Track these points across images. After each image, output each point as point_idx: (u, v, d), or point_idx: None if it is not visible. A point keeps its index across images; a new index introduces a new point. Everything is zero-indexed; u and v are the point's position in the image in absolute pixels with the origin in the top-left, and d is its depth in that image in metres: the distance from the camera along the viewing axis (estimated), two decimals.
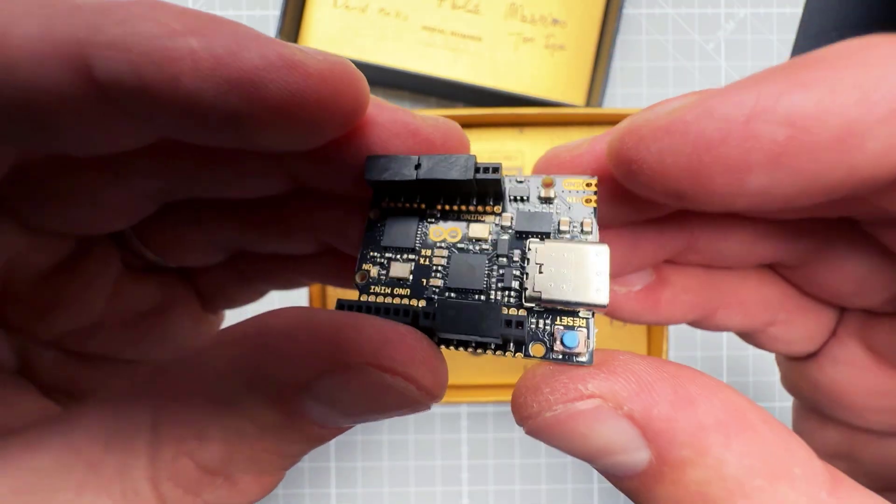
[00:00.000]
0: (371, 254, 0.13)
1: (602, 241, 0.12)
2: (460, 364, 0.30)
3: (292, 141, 0.11)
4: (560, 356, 0.11)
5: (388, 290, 0.12)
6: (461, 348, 0.11)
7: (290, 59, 0.10)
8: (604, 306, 0.11)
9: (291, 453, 0.11)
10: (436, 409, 0.35)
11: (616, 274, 0.15)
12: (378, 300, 0.12)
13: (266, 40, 0.10)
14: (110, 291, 0.16)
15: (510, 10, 0.35)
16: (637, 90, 0.36)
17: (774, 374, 0.35)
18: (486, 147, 0.24)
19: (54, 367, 0.16)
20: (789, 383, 0.18)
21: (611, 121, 0.24)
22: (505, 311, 0.11)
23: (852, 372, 0.15)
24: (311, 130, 0.11)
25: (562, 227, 0.12)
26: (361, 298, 0.12)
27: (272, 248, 0.17)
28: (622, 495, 0.38)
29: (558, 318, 0.11)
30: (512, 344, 0.11)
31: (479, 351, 0.11)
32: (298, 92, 0.10)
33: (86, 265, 0.16)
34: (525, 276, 0.12)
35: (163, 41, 0.09)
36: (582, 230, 0.12)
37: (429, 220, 0.13)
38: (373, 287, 0.12)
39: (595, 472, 0.35)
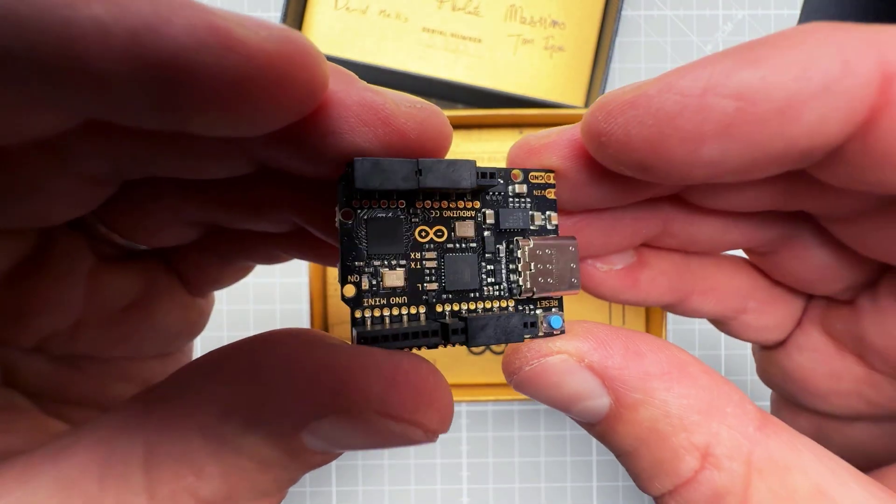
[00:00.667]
0: (356, 264, 0.12)
1: (562, 229, 0.14)
2: (460, 364, 0.30)
3: (235, 128, 0.09)
4: (544, 333, 0.13)
5: (384, 301, 0.12)
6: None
7: (226, 34, 0.08)
8: (577, 291, 0.13)
9: (293, 478, 0.11)
10: None
11: (597, 254, 0.16)
12: (375, 314, 0.12)
13: (195, 8, 0.08)
14: (86, 286, 0.16)
15: (510, 11, 0.35)
16: None
17: None
18: (486, 148, 0.25)
19: (41, 373, 0.16)
20: (762, 373, 0.19)
21: None
22: (506, 305, 0.13)
23: (815, 358, 0.17)
24: (257, 117, 0.09)
25: (536, 221, 0.13)
26: (356, 315, 0.11)
27: (244, 225, 0.16)
28: (620, 492, 0.38)
29: (538, 303, 0.13)
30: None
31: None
32: (238, 76, 0.08)
33: (53, 261, 0.15)
34: (518, 273, 0.13)
35: (63, 12, 0.07)
36: (549, 222, 0.14)
37: (412, 219, 0.12)
38: (366, 300, 0.12)
39: (594, 470, 0.35)
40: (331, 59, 0.33)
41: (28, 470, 0.10)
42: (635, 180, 0.13)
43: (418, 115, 0.11)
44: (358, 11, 0.34)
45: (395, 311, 0.12)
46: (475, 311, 0.13)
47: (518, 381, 0.13)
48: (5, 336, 0.15)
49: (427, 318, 0.12)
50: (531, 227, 0.13)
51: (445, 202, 0.12)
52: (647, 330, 0.30)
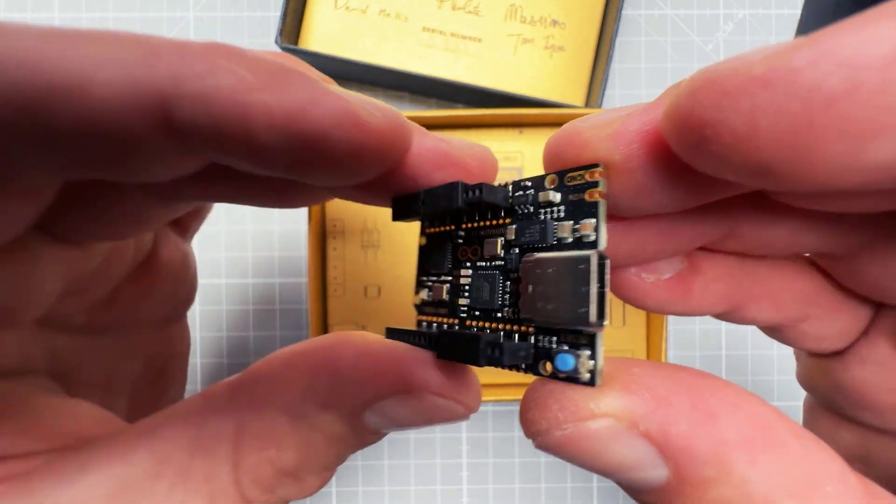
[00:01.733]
0: (421, 278, 0.14)
1: (611, 237, 0.11)
2: None
3: (342, 180, 0.11)
4: (565, 377, 0.10)
5: (435, 311, 0.13)
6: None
7: (356, 117, 0.10)
8: (592, 325, 0.10)
9: (348, 454, 0.13)
10: None
11: (647, 260, 0.14)
12: (429, 320, 0.14)
13: (333, 97, 0.10)
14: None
15: (510, 11, 0.35)
16: (636, 91, 0.36)
17: (774, 374, 0.35)
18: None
19: (55, 355, 0.16)
20: (807, 379, 0.17)
21: None
22: (502, 330, 0.12)
23: (879, 372, 0.15)
24: (363, 172, 0.11)
25: (561, 235, 0.11)
26: (419, 318, 0.14)
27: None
28: (621, 494, 0.38)
29: (560, 335, 0.10)
30: (523, 365, 0.11)
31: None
32: (359, 147, 0.10)
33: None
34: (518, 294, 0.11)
35: (242, 96, 0.09)
36: (584, 232, 0.10)
37: (458, 240, 0.13)
38: (425, 308, 0.14)
39: None
40: (331, 58, 0.33)
41: (124, 446, 0.12)
42: (718, 180, 0.09)
43: (478, 154, 0.13)
44: (358, 11, 0.34)
45: (439, 321, 0.13)
46: (489, 329, 0.12)
47: (544, 444, 0.10)
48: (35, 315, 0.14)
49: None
50: (553, 242, 0.11)
51: (486, 221, 0.13)
52: (648, 331, 0.30)
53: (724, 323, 0.35)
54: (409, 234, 0.24)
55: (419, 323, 0.14)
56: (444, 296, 0.13)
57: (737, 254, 0.14)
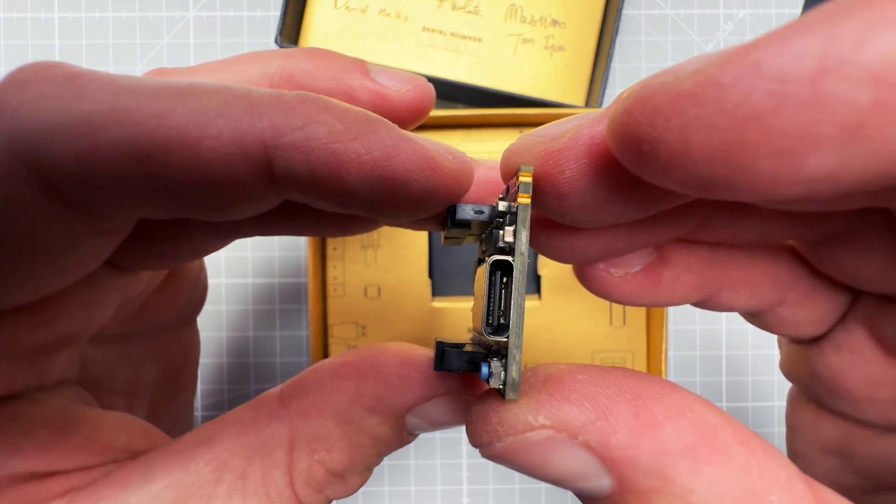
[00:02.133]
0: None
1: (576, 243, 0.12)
2: None
3: (412, 216, 0.12)
4: (493, 388, 0.10)
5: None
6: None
7: (433, 161, 0.11)
8: (490, 335, 0.10)
9: (387, 454, 0.14)
10: None
11: (619, 255, 0.14)
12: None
13: (414, 143, 0.11)
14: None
15: (510, 11, 0.35)
16: None
17: (774, 374, 0.35)
18: (486, 148, 0.25)
19: (87, 364, 0.16)
20: (788, 367, 0.17)
21: None
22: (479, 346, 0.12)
23: (854, 360, 0.15)
24: (432, 209, 0.12)
25: (500, 244, 0.11)
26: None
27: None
28: None
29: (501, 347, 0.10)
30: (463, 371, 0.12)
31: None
32: (434, 189, 0.11)
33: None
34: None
35: (335, 145, 0.10)
36: (517, 238, 0.10)
37: (477, 257, 0.14)
38: None
39: None
40: None
41: (184, 455, 0.12)
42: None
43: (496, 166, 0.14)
44: (358, 11, 0.34)
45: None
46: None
47: (488, 454, 0.10)
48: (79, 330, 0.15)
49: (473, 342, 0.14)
50: (501, 247, 0.11)
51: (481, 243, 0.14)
52: (648, 331, 0.30)
53: (724, 323, 0.35)
54: (409, 234, 0.24)
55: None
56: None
57: (710, 243, 0.14)
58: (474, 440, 0.10)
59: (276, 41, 0.31)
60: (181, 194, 0.10)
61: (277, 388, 0.14)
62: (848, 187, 0.08)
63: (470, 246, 0.25)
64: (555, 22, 0.35)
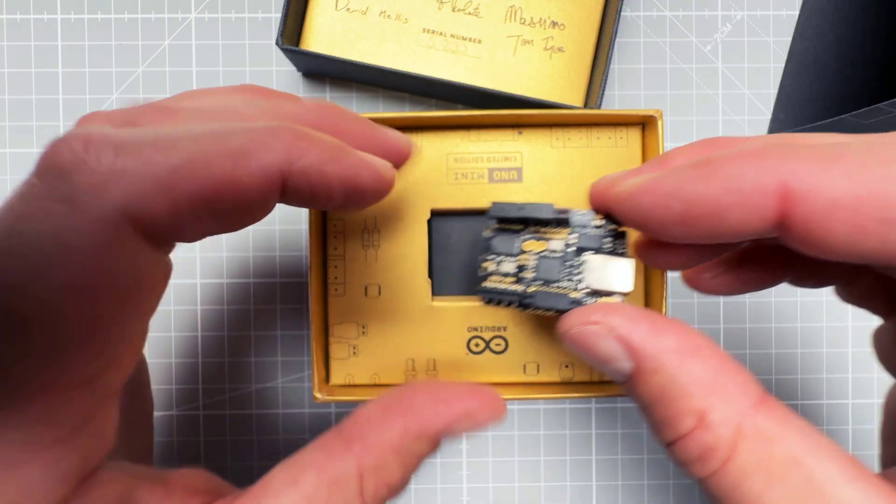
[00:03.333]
0: (489, 255, 0.20)
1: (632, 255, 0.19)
2: (461, 364, 0.31)
3: (362, 207, 0.19)
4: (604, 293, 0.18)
5: (502, 279, 0.20)
6: (539, 311, 0.19)
7: (381, 175, 0.18)
8: (625, 293, 0.18)
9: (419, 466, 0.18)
10: None
11: (702, 263, 0.19)
12: (495, 283, 0.20)
13: (369, 166, 0.17)
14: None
15: (510, 12, 0.35)
16: (635, 92, 0.36)
17: (773, 374, 0.35)
18: (486, 148, 0.25)
19: None
20: (887, 350, 0.20)
21: (609, 122, 0.25)
22: (572, 294, 0.19)
23: None
24: (374, 202, 0.19)
25: (604, 245, 0.19)
26: (487, 282, 0.20)
27: None
28: (619, 490, 0.38)
29: (599, 298, 0.18)
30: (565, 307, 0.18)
31: (552, 313, 0.19)
32: (379, 190, 0.18)
33: None
34: (581, 274, 0.19)
35: (324, 168, 0.16)
36: (614, 248, 0.19)
37: (525, 235, 0.20)
38: (491, 277, 0.20)
39: (593, 469, 0.35)
40: (331, 59, 0.33)
41: (276, 495, 0.16)
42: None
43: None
44: (358, 12, 0.34)
45: (504, 285, 0.20)
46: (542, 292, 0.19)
47: (564, 336, 0.17)
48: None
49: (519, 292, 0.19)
50: (602, 248, 0.19)
51: (544, 228, 0.20)
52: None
53: (723, 323, 0.35)
54: (410, 234, 0.24)
55: (484, 285, 0.20)
56: (512, 269, 0.20)
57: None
58: (562, 326, 0.17)
59: (277, 43, 0.31)
60: (228, 217, 0.15)
61: (339, 429, 0.17)
62: (698, 239, 0.16)
63: (470, 246, 0.25)
64: (554, 23, 0.35)
